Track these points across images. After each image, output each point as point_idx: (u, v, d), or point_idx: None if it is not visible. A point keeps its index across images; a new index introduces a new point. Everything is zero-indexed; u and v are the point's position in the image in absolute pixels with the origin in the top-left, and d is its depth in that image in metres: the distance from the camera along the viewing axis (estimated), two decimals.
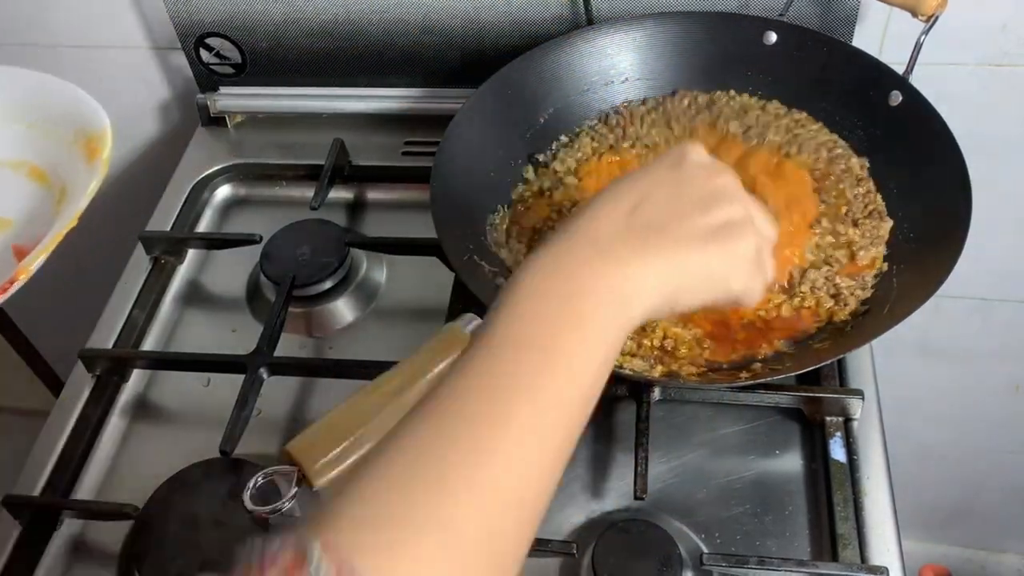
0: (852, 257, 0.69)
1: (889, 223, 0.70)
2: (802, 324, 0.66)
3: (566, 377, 0.40)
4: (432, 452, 0.37)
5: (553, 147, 0.80)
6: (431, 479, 0.36)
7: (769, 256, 0.49)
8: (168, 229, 0.88)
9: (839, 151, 0.75)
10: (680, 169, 0.48)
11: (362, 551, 0.34)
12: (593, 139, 0.79)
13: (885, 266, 0.69)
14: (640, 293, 0.43)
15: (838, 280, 0.68)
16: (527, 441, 0.38)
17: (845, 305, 0.67)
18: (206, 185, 0.93)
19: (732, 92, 0.80)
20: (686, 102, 0.80)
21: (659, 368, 0.64)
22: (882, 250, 0.69)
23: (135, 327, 0.80)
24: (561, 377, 0.40)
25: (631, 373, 0.65)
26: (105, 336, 0.80)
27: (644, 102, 0.81)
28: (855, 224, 0.71)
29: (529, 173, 0.78)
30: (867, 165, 0.74)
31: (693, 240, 0.45)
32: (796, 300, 0.67)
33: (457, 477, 0.36)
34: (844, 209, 0.71)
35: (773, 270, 0.50)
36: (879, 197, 0.72)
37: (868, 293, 0.67)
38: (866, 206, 0.72)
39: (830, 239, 0.70)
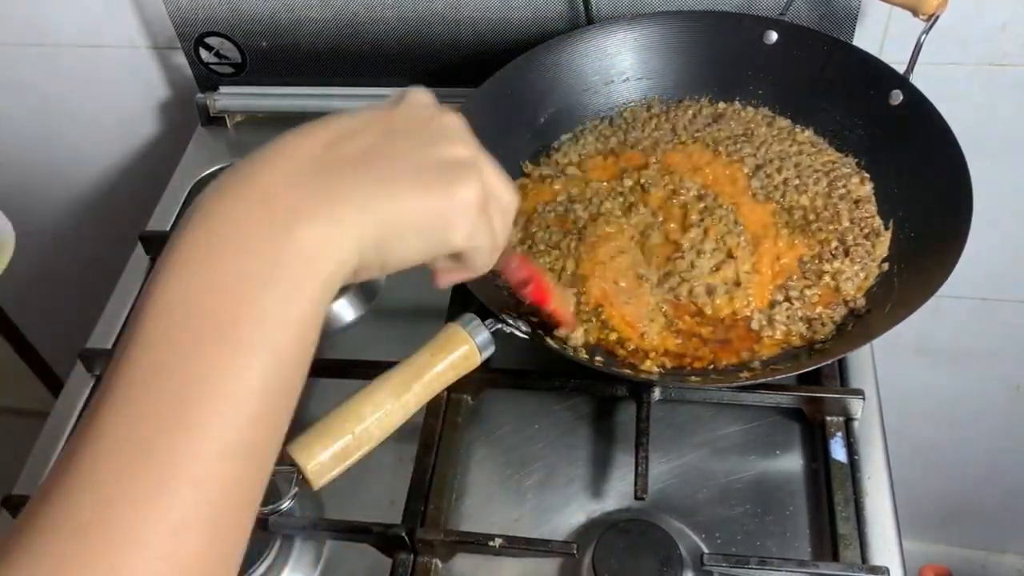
0: (836, 289, 0.68)
1: (886, 239, 0.70)
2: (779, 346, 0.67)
3: (224, 404, 0.31)
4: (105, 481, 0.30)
5: (555, 144, 0.80)
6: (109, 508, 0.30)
7: (501, 216, 0.42)
8: (168, 229, 0.88)
9: (843, 170, 0.74)
10: (397, 106, 0.40)
11: None
12: (597, 139, 0.80)
13: (886, 266, 0.69)
14: (333, 249, 0.34)
15: (810, 312, 0.67)
16: (174, 518, 0.30)
17: (823, 325, 0.66)
18: (206, 185, 0.92)
19: (737, 104, 0.80)
20: (691, 113, 0.80)
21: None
22: (873, 270, 0.69)
23: None
24: (218, 407, 0.31)
25: (630, 373, 0.65)
26: (105, 336, 0.80)
27: (649, 108, 0.81)
28: (847, 253, 0.69)
29: (527, 167, 0.78)
30: (869, 180, 0.73)
31: (405, 177, 0.37)
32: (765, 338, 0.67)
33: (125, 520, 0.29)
34: (834, 244, 0.70)
35: (506, 233, 0.43)
36: (876, 219, 0.71)
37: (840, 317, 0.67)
38: (862, 229, 0.71)
39: (805, 281, 0.69)
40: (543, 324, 0.64)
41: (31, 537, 0.31)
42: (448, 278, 0.47)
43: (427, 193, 0.37)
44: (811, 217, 0.72)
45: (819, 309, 0.67)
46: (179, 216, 0.89)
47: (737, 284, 0.68)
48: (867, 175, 0.74)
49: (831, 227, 0.71)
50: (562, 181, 0.76)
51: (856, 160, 0.75)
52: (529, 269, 0.59)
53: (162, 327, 0.32)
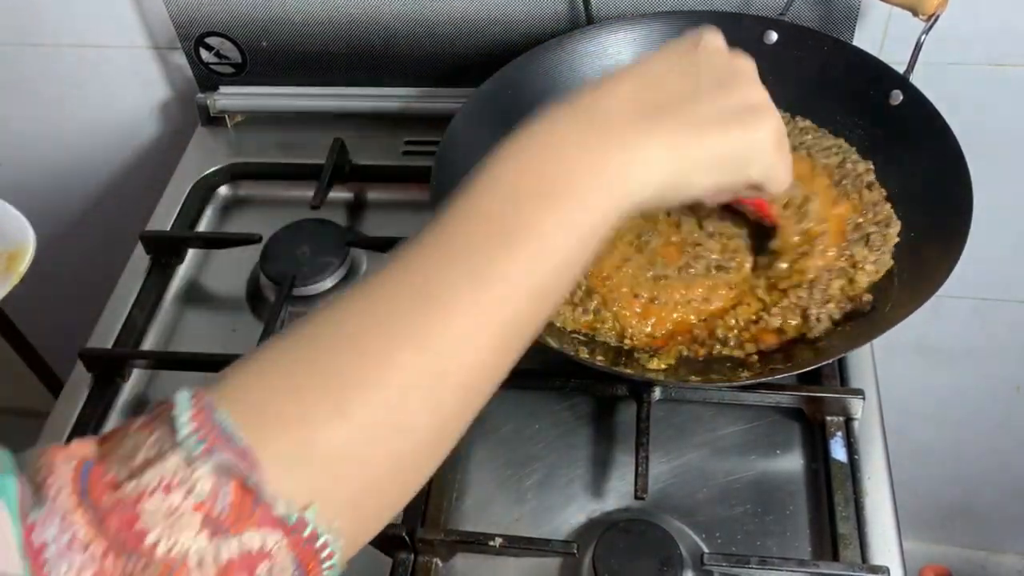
0: (852, 281, 0.67)
1: (897, 226, 0.69)
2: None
3: (528, 258, 0.38)
4: (363, 328, 0.35)
5: None
6: (357, 351, 0.34)
7: (788, 148, 0.47)
8: (168, 229, 0.88)
9: (850, 155, 0.74)
10: (695, 52, 0.45)
11: (253, 420, 0.32)
12: None
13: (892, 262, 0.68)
14: (641, 170, 0.40)
15: (818, 308, 0.66)
16: (471, 326, 0.36)
17: (818, 321, 0.66)
18: (206, 185, 0.92)
19: None
20: None
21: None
22: (886, 261, 0.68)
23: (135, 327, 0.80)
24: (522, 258, 0.37)
25: (631, 373, 0.65)
26: (105, 336, 0.80)
27: None
28: (867, 240, 0.68)
29: None
30: (872, 168, 0.73)
31: (710, 122, 0.42)
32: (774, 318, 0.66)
33: (386, 355, 0.34)
34: (860, 219, 0.70)
35: (790, 160, 0.47)
36: (887, 205, 0.71)
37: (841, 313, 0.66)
38: (876, 214, 0.70)
39: (843, 263, 0.67)
40: None
41: (363, 287, 0.37)
42: (743, 195, 0.51)
43: (728, 134, 0.43)
44: (834, 177, 0.72)
45: (830, 305, 0.66)
46: (179, 216, 0.89)
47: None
48: (871, 165, 0.74)
49: (855, 195, 0.71)
50: None
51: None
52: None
53: (492, 189, 0.39)
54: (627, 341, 0.66)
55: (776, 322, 0.65)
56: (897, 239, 0.69)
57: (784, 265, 0.67)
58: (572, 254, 0.39)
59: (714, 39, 0.46)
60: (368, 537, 0.38)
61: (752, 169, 0.45)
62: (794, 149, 0.74)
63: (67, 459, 0.32)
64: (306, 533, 0.33)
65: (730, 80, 0.44)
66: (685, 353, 0.66)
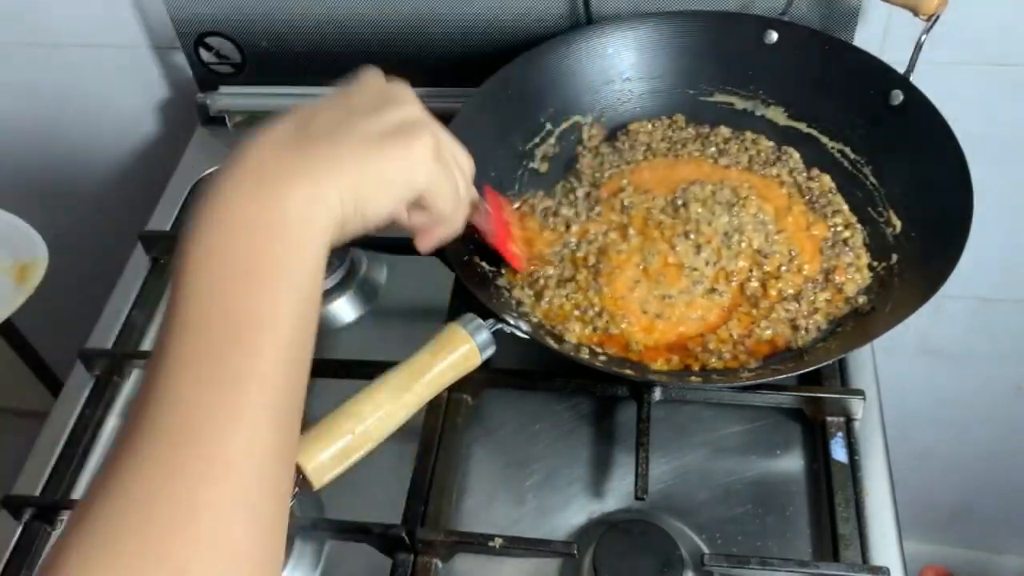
0: (839, 291, 0.68)
1: (861, 232, 0.72)
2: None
3: (267, 343, 0.38)
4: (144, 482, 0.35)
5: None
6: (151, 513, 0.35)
7: (458, 167, 0.50)
8: (168, 229, 0.88)
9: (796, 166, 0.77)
10: (348, 88, 0.47)
11: None
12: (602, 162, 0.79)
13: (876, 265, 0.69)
14: (318, 206, 0.41)
15: (806, 320, 0.67)
16: (243, 437, 0.37)
17: (806, 332, 0.67)
18: (207, 184, 0.92)
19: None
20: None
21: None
22: (863, 264, 0.70)
23: (135, 327, 0.80)
24: (262, 347, 0.38)
25: (631, 373, 0.65)
26: (105, 336, 0.80)
27: (650, 132, 0.81)
28: (837, 253, 0.71)
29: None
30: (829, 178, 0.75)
31: (366, 142, 0.44)
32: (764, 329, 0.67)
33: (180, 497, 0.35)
34: (828, 234, 0.72)
35: (466, 185, 0.51)
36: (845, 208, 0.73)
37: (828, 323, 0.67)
38: (837, 224, 0.73)
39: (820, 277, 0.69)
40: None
41: (133, 448, 0.36)
42: (428, 238, 0.54)
43: (387, 150, 0.44)
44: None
45: (816, 317, 0.67)
46: (180, 216, 0.89)
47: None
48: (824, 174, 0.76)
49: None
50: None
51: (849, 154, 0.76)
52: (496, 215, 0.66)
53: (198, 284, 0.39)
54: (631, 354, 0.67)
55: (767, 334, 0.66)
56: (865, 243, 0.71)
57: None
58: (301, 309, 0.40)
59: (369, 74, 0.48)
60: None
61: (418, 182, 0.46)
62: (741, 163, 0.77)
63: None
64: None
65: (383, 103, 0.46)
66: (682, 366, 0.67)
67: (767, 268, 0.69)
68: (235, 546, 0.35)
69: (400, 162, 0.45)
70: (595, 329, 0.68)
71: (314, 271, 0.41)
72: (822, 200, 0.74)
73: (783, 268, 0.69)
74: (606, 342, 0.68)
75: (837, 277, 0.69)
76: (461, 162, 0.51)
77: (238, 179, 0.42)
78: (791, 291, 0.68)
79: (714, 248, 0.69)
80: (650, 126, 0.81)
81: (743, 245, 0.69)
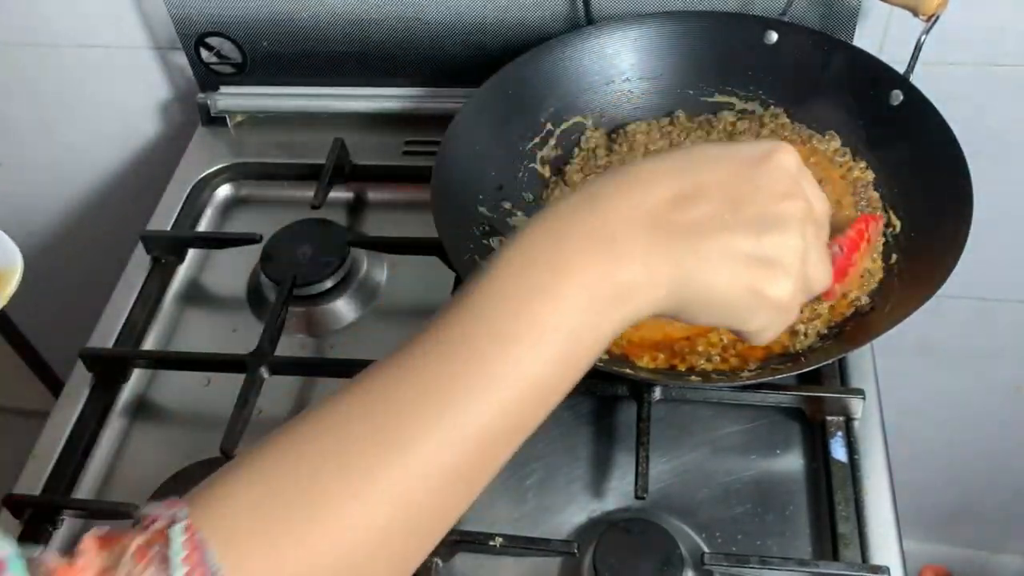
0: (844, 295, 0.68)
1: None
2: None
3: (504, 389, 0.37)
4: (337, 444, 0.36)
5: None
6: (326, 473, 0.35)
7: (799, 303, 0.43)
8: (168, 229, 0.88)
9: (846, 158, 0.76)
10: (757, 169, 0.41)
11: (228, 540, 0.34)
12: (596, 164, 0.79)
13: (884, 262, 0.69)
14: (639, 294, 0.38)
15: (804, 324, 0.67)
16: (443, 450, 0.36)
17: (805, 336, 0.66)
18: (206, 185, 0.92)
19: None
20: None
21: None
22: (877, 268, 0.69)
23: (135, 327, 0.80)
24: (498, 388, 0.37)
25: (631, 373, 0.65)
26: (105, 336, 0.80)
27: (648, 133, 0.81)
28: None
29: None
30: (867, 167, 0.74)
31: (725, 260, 0.39)
32: None
33: (358, 474, 0.35)
34: None
35: (797, 314, 0.43)
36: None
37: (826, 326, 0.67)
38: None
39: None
40: None
41: (294, 443, 0.36)
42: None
43: (737, 280, 0.39)
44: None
45: (816, 323, 0.67)
46: (179, 216, 0.89)
47: None
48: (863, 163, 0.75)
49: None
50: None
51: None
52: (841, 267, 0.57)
53: (489, 298, 0.38)
54: (614, 347, 0.67)
55: None
56: (882, 241, 0.70)
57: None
58: (568, 353, 0.39)
59: (786, 159, 0.42)
60: None
61: (751, 324, 0.42)
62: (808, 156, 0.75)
63: None
64: None
65: (772, 223, 0.40)
66: (667, 365, 0.66)
67: None
68: (363, 548, 0.36)
69: (747, 297, 0.40)
70: None
71: (596, 344, 0.39)
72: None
73: None
74: None
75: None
76: (814, 279, 0.43)
77: (579, 225, 0.38)
78: None
79: None
80: (646, 126, 0.81)
81: None
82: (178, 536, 0.34)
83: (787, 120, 0.78)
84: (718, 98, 0.81)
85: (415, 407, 0.36)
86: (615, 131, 0.81)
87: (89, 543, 0.35)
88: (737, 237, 0.39)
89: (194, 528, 0.34)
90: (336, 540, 0.35)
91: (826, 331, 0.67)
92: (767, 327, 0.42)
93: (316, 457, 0.36)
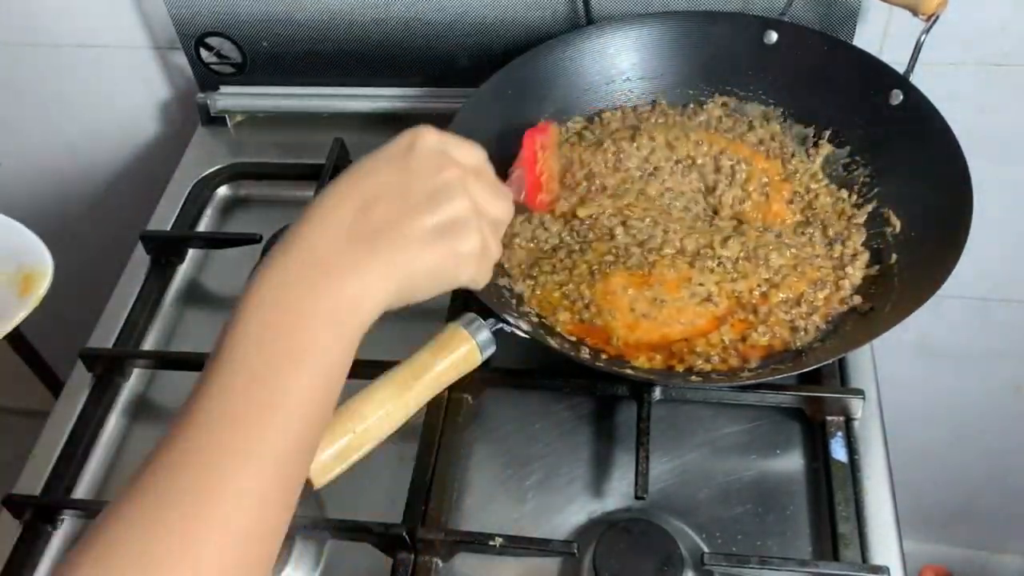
0: (837, 287, 0.69)
1: (861, 215, 0.72)
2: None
3: (286, 423, 0.40)
4: (144, 530, 0.37)
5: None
6: (135, 555, 0.37)
7: (495, 241, 0.51)
8: (168, 229, 0.88)
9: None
10: (408, 157, 0.48)
11: None
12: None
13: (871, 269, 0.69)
14: (367, 299, 0.44)
15: (804, 320, 0.67)
16: (245, 503, 0.39)
17: (805, 332, 0.67)
18: (206, 185, 0.92)
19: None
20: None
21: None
22: (863, 255, 0.70)
23: (135, 327, 0.80)
24: (280, 425, 0.40)
25: (631, 373, 0.65)
26: (105, 336, 0.80)
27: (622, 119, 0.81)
28: (842, 243, 0.72)
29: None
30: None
31: (419, 242, 0.46)
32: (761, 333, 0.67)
33: (168, 553, 0.37)
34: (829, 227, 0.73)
35: (498, 250, 0.52)
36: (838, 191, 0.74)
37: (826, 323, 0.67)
38: (834, 210, 0.74)
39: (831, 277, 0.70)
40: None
41: (149, 480, 0.39)
42: None
43: (435, 253, 0.47)
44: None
45: (815, 318, 0.67)
46: (179, 216, 0.89)
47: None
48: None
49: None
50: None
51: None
52: (529, 179, 0.66)
53: (240, 350, 0.41)
54: (610, 348, 0.67)
55: (764, 340, 0.66)
56: (864, 228, 0.71)
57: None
58: (326, 390, 0.43)
59: (426, 139, 0.49)
60: None
61: (461, 277, 0.49)
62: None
63: None
64: None
65: (437, 194, 0.47)
66: (665, 365, 0.66)
67: (770, 277, 0.69)
68: None
69: (449, 261, 0.47)
70: (581, 320, 0.68)
71: (350, 354, 0.44)
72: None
73: (787, 277, 0.69)
74: (588, 334, 0.68)
75: (837, 276, 0.69)
76: (498, 220, 0.52)
77: (298, 262, 0.44)
78: (793, 295, 0.68)
79: (728, 269, 0.69)
80: (620, 113, 0.81)
81: (759, 265, 0.69)
82: None
83: (778, 128, 0.78)
84: (718, 98, 0.81)
85: (196, 494, 0.38)
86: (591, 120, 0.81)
87: None
88: (417, 219, 0.46)
89: None
90: None
91: (825, 326, 0.67)
92: (476, 274, 0.50)
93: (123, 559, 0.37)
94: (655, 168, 0.76)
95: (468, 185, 0.49)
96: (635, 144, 0.76)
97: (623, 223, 0.72)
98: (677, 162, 0.76)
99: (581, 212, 0.74)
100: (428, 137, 0.50)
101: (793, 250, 0.70)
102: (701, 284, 0.68)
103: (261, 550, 0.40)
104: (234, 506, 0.38)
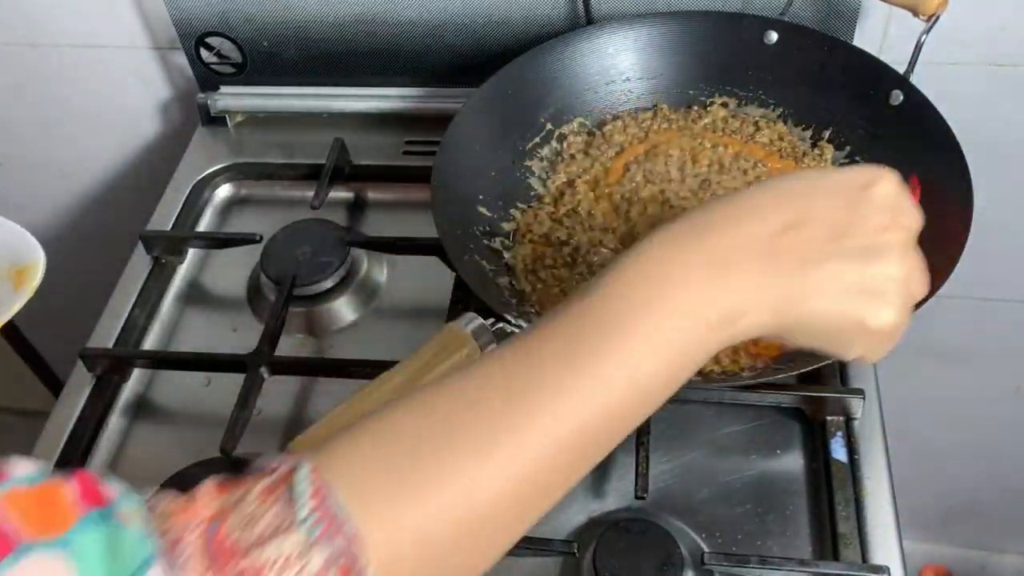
0: None
1: None
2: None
3: (610, 390, 0.39)
4: (466, 411, 0.38)
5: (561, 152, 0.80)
6: (446, 444, 0.37)
7: (906, 317, 0.42)
8: (168, 229, 0.88)
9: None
10: (860, 198, 0.42)
11: (349, 491, 0.35)
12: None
13: None
14: (749, 316, 0.40)
15: None
16: (549, 437, 0.39)
17: None
18: (206, 185, 0.92)
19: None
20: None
21: None
22: None
23: (135, 327, 0.80)
24: (604, 388, 0.39)
25: None
26: (105, 336, 0.80)
27: (624, 131, 0.81)
28: None
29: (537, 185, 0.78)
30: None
31: (832, 290, 0.40)
32: None
33: (482, 441, 0.37)
34: None
35: (902, 330, 0.43)
36: None
37: None
38: None
39: None
40: None
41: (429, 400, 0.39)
42: None
43: (840, 311, 0.41)
44: None
45: None
46: (179, 216, 0.89)
47: None
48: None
49: None
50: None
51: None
52: None
53: (599, 313, 0.39)
54: None
55: (777, 340, 0.65)
56: None
57: None
58: (653, 384, 0.40)
59: (887, 187, 0.43)
60: None
61: (851, 352, 0.43)
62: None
63: (194, 520, 0.35)
64: None
65: (877, 252, 0.41)
66: None
67: None
68: (485, 508, 0.38)
69: (848, 326, 0.41)
70: None
71: (694, 367, 0.40)
72: None
73: None
74: None
75: None
76: (916, 298, 0.43)
77: (693, 249, 0.40)
78: None
79: None
80: (622, 124, 0.81)
81: None
82: (303, 479, 0.35)
83: (784, 128, 0.78)
84: (718, 98, 0.81)
85: (528, 394, 0.38)
86: (592, 133, 0.81)
87: (208, 487, 0.36)
88: (843, 266, 0.40)
89: (319, 472, 0.35)
90: (452, 506, 0.37)
91: None
92: (869, 353, 0.43)
93: (438, 428, 0.38)
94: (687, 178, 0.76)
95: (908, 255, 0.42)
96: (657, 160, 0.76)
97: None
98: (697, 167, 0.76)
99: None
100: (889, 186, 0.43)
101: None
102: None
103: (536, 496, 0.41)
104: (535, 438, 0.38)
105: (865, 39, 0.83)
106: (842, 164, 0.76)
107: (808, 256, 0.40)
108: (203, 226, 0.90)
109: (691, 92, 0.81)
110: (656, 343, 0.39)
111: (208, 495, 0.36)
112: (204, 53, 0.94)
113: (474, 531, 0.39)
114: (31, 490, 0.34)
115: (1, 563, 0.30)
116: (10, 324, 1.35)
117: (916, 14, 0.71)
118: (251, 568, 0.33)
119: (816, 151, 0.77)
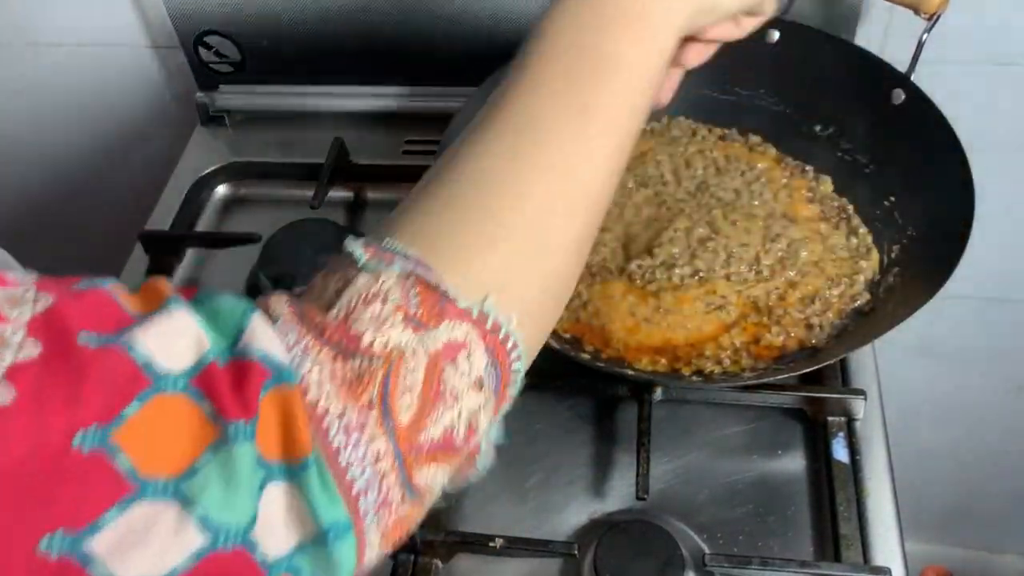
0: (851, 283, 0.69)
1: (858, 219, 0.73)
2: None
3: (623, 84, 0.41)
4: (495, 164, 0.39)
5: None
6: (495, 188, 0.39)
7: None
8: (167, 228, 0.88)
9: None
10: None
11: (430, 252, 0.37)
12: None
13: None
14: (678, 5, 0.44)
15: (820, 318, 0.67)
16: (586, 151, 0.40)
17: (820, 329, 0.66)
18: (205, 184, 0.92)
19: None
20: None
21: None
22: (874, 254, 0.70)
23: None
24: (617, 86, 0.41)
25: (632, 373, 0.65)
26: None
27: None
28: (855, 246, 0.72)
29: None
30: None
31: None
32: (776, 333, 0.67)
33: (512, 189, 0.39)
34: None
35: None
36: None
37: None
38: (839, 213, 0.74)
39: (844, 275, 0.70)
40: None
41: (479, 138, 0.41)
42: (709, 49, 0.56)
43: None
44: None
45: (829, 314, 0.67)
46: (178, 215, 0.88)
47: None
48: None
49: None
50: None
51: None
52: None
53: (563, 22, 0.42)
54: (610, 350, 0.67)
55: (779, 340, 0.66)
56: (867, 230, 0.72)
57: None
58: (651, 65, 0.43)
59: None
60: (537, 349, 0.43)
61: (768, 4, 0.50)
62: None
63: (278, 299, 0.37)
64: (489, 324, 0.37)
65: None
66: (670, 369, 0.66)
67: (788, 276, 0.69)
68: (544, 238, 0.39)
69: None
70: (578, 319, 0.68)
71: (664, 54, 0.44)
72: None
73: (807, 275, 0.68)
74: (586, 333, 0.68)
75: (852, 271, 0.69)
76: None
77: None
78: (809, 293, 0.68)
79: (759, 274, 0.69)
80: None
81: (787, 265, 0.69)
82: (354, 243, 0.39)
83: (775, 152, 0.79)
84: (718, 98, 0.81)
85: (556, 120, 0.40)
86: None
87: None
88: None
89: (368, 238, 0.38)
90: (519, 235, 0.38)
91: (839, 322, 0.66)
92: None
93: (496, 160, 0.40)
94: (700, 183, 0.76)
95: None
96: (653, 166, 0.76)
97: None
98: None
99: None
100: None
101: (820, 245, 0.70)
102: (723, 295, 0.68)
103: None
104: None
105: (866, 38, 0.82)
106: (842, 165, 0.76)
107: None
108: (202, 226, 0.90)
109: (691, 91, 0.81)
110: (646, 52, 0.43)
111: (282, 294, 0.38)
112: (203, 52, 0.94)
113: (545, 251, 0.40)
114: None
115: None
116: None
117: (918, 13, 0.71)
118: (338, 317, 0.35)
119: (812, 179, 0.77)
